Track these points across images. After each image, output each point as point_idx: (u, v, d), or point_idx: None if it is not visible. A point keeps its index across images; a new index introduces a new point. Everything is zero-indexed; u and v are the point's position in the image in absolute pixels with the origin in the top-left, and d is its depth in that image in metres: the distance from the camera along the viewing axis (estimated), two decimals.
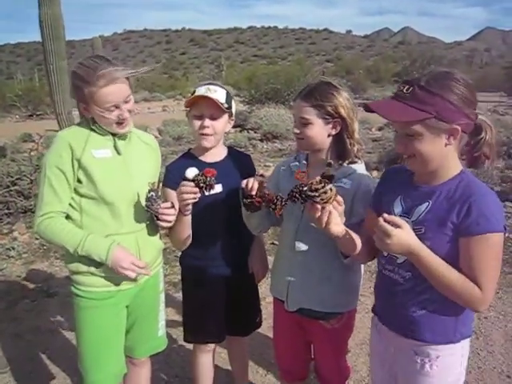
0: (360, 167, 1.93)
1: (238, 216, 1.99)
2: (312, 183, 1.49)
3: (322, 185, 1.47)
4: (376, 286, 1.82)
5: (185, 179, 1.81)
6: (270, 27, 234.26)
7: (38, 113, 24.41)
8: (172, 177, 2.14)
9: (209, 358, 2.45)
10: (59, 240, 1.84)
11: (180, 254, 2.40)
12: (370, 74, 51.92)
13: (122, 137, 1.95)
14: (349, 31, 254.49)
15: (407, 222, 1.49)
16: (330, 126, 1.88)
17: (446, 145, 1.45)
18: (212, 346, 2.42)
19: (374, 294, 1.87)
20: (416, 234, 1.46)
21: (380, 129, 15.74)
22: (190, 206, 1.91)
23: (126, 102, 1.85)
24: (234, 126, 2.30)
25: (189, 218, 1.99)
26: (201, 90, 2.08)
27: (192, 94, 2.13)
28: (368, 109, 1.53)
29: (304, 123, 1.88)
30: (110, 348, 2.01)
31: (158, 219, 1.90)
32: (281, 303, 2.07)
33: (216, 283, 2.23)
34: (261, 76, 20.45)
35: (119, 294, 1.96)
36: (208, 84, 2.12)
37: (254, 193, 1.73)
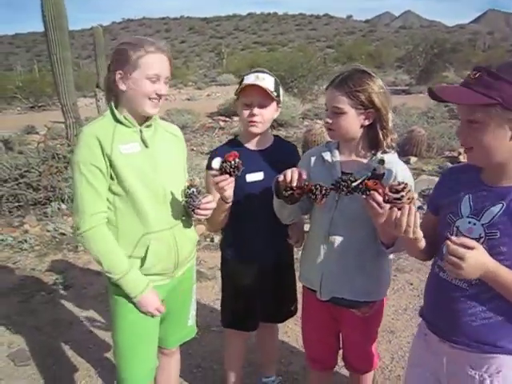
0: (393, 157, 1.88)
1: None
2: (392, 185, 1.45)
3: (403, 186, 1.43)
4: (429, 289, 1.70)
5: (211, 169, 1.86)
6: (269, 13, 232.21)
7: (40, 104, 24.27)
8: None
9: (242, 343, 2.50)
10: (101, 258, 1.82)
11: (220, 240, 2.43)
12: (373, 60, 51.40)
13: (149, 127, 1.90)
14: (349, 16, 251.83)
15: (476, 224, 1.44)
16: (363, 116, 1.83)
17: (510, 138, 1.34)
18: (246, 332, 2.45)
19: (423, 297, 1.76)
20: (489, 239, 1.39)
21: None
22: (231, 193, 1.93)
23: (165, 82, 1.84)
24: None
25: (229, 205, 2.04)
26: (250, 78, 2.08)
27: (240, 83, 2.12)
28: (432, 94, 1.46)
29: (337, 112, 1.83)
30: (147, 343, 2.00)
31: (196, 213, 1.88)
32: (311, 292, 2.07)
33: (256, 270, 2.24)
34: (263, 63, 20.32)
35: (156, 289, 1.95)
36: (256, 72, 2.12)
37: (294, 184, 1.70)
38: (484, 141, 1.36)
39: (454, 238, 1.33)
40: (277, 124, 12.97)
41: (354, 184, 1.54)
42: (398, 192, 1.43)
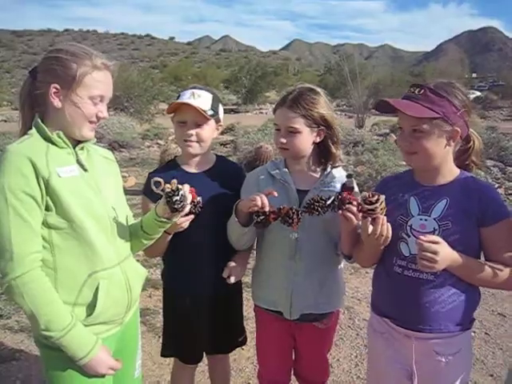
0: (343, 171, 1.99)
1: (221, 231, 1.92)
2: (368, 196, 1.53)
3: (377, 197, 1.52)
4: (386, 288, 1.77)
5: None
6: (89, 31, 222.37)
7: None
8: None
9: (189, 377, 2.30)
10: (37, 312, 1.42)
11: (162, 270, 2.23)
12: (198, 80, 53.03)
13: (82, 149, 1.61)
14: (172, 38, 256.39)
15: (427, 219, 1.61)
16: (316, 133, 1.87)
17: (445, 146, 1.58)
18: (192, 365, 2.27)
19: (379, 300, 1.84)
20: (443, 230, 1.57)
21: (223, 133, 16.31)
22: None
23: (107, 102, 1.60)
24: None
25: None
26: (185, 95, 1.94)
27: (177, 98, 1.98)
28: (381, 105, 1.65)
29: (292, 132, 1.84)
30: None
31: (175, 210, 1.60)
32: (269, 313, 2.02)
33: (198, 302, 2.08)
34: None
35: (104, 342, 1.60)
36: (193, 88, 1.99)
37: (267, 209, 1.67)
38: (427, 147, 1.57)
39: (422, 236, 1.47)
40: (118, 145, 12.49)
41: (329, 202, 1.60)
42: (372, 203, 1.54)
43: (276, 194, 1.72)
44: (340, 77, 27.54)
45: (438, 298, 1.62)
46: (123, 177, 9.19)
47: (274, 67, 41.36)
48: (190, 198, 1.61)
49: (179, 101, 1.92)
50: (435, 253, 1.46)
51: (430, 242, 1.47)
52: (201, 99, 1.92)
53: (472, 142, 1.70)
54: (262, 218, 1.68)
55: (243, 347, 3.02)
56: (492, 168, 9.45)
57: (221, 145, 13.38)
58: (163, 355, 2.26)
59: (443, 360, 1.65)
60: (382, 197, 1.53)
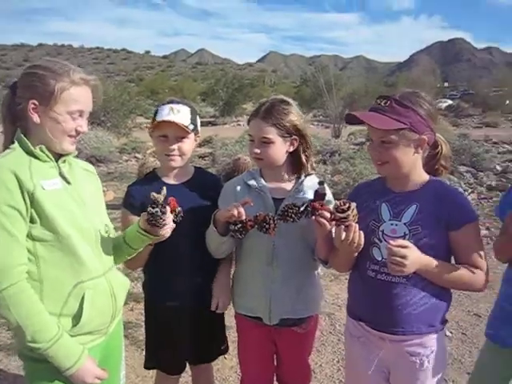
0: (316, 178, 2.03)
1: (201, 240, 1.95)
2: (339, 205, 1.57)
3: (348, 205, 1.57)
4: (360, 292, 1.82)
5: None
6: (63, 45, 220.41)
7: None
8: (134, 202, 1.98)
9: None
10: (24, 323, 1.43)
11: (143, 281, 2.23)
12: (175, 94, 52.96)
13: (64, 163, 1.63)
14: (147, 52, 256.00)
15: (398, 224, 1.67)
16: (289, 143, 1.93)
17: (414, 153, 1.64)
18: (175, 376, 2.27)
19: (354, 304, 1.88)
20: (413, 234, 1.63)
21: (200, 145, 16.32)
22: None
23: (86, 117, 1.62)
24: None
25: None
26: (164, 111, 1.96)
27: (154, 114, 2.00)
28: (350, 118, 1.71)
29: (266, 142, 1.89)
30: None
31: (158, 230, 1.65)
32: (249, 320, 2.05)
33: (180, 311, 2.08)
34: None
35: (90, 352, 1.61)
36: (171, 102, 2.01)
37: (243, 218, 1.72)
38: (396, 157, 1.63)
39: (391, 241, 1.54)
40: (95, 160, 12.38)
41: (302, 208, 1.66)
42: (344, 211, 1.59)
43: (252, 203, 1.77)
44: (316, 88, 27.90)
45: (409, 300, 1.67)
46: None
47: (250, 79, 41.72)
48: (169, 217, 1.64)
49: (161, 119, 1.95)
50: (404, 257, 1.52)
51: (399, 246, 1.53)
52: (180, 114, 1.96)
53: (440, 148, 1.77)
54: (239, 226, 1.73)
55: (226, 357, 3.06)
56: (465, 174, 9.73)
57: (199, 157, 13.40)
58: (146, 367, 2.28)
59: (418, 361, 1.71)
60: (353, 204, 1.58)
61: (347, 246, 1.62)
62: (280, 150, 1.92)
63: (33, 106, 1.50)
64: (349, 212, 1.56)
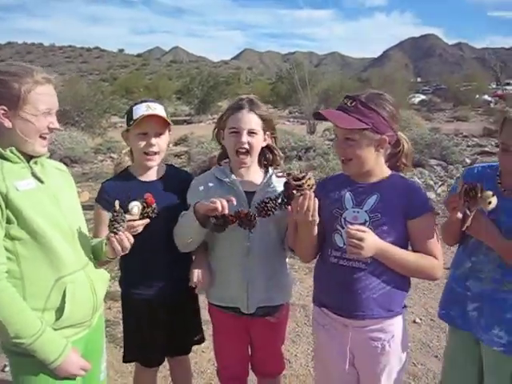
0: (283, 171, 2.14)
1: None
2: (294, 174, 1.68)
3: (304, 174, 1.67)
4: (324, 278, 1.93)
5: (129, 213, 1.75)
6: (34, 44, 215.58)
7: None
8: (108, 198, 2.02)
9: (152, 378, 2.37)
10: (7, 321, 1.48)
11: (120, 277, 2.29)
12: (150, 92, 52.33)
13: (36, 163, 1.67)
14: (121, 50, 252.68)
15: (360, 212, 1.79)
16: (265, 137, 2.05)
17: (375, 152, 1.77)
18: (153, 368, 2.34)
19: (318, 291, 1.98)
20: (373, 221, 1.75)
21: (176, 144, 16.29)
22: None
23: (55, 114, 1.67)
24: None
25: None
26: (141, 109, 2.03)
27: (129, 114, 2.07)
28: (318, 116, 1.83)
29: (253, 133, 1.98)
30: None
31: (117, 237, 1.71)
32: (225, 311, 2.13)
33: (156, 304, 2.16)
34: None
35: (74, 345, 1.68)
36: (145, 101, 2.09)
37: (226, 212, 1.80)
38: (359, 154, 1.75)
39: (350, 226, 1.68)
40: (70, 161, 12.25)
41: (279, 201, 1.75)
42: (299, 180, 1.66)
43: (235, 201, 1.85)
44: (291, 85, 28.09)
45: (368, 284, 1.79)
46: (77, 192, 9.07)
47: (225, 77, 41.64)
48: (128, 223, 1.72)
49: (143, 114, 2.01)
50: (361, 239, 1.64)
51: (357, 230, 1.65)
52: (157, 110, 2.05)
53: (401, 146, 1.89)
54: (220, 220, 1.82)
55: (204, 350, 3.14)
56: (435, 167, 9.98)
57: (175, 156, 13.37)
58: (125, 361, 2.35)
59: (379, 346, 1.83)
60: (310, 174, 1.70)
61: (303, 215, 1.70)
62: (260, 142, 2.03)
63: (2, 111, 1.54)
64: (303, 181, 1.66)
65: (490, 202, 1.70)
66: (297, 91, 22.58)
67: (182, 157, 13.22)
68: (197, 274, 2.06)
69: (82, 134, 15.11)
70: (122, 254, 1.76)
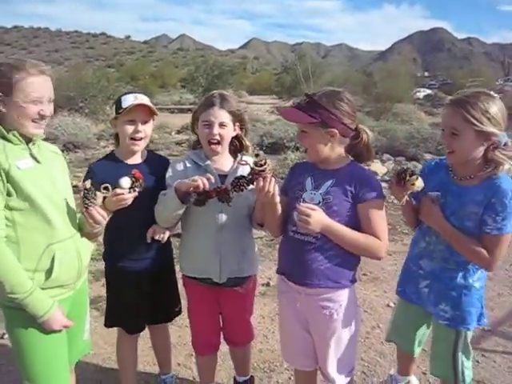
0: (250, 158, 2.37)
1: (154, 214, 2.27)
2: (257, 161, 1.93)
3: (264, 161, 1.92)
4: (284, 250, 2.20)
5: (120, 187, 1.99)
6: (40, 28, 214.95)
7: None
8: (95, 177, 2.19)
9: (132, 345, 2.61)
10: (3, 278, 1.74)
11: (103, 250, 2.52)
12: (155, 80, 52.29)
13: (34, 145, 1.92)
14: (128, 36, 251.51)
15: (316, 194, 2.03)
16: (235, 127, 2.32)
17: (327, 143, 1.99)
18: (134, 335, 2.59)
19: (280, 260, 2.23)
20: (326, 203, 1.99)
21: (179, 132, 16.49)
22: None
23: (49, 102, 1.89)
24: None
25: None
26: (129, 99, 2.26)
27: (117, 104, 2.30)
28: (280, 113, 2.12)
29: (223, 125, 2.25)
30: (61, 359, 1.99)
31: (89, 212, 1.94)
32: (197, 282, 2.35)
33: (138, 276, 2.40)
34: None
35: (60, 303, 1.93)
36: (132, 93, 2.35)
37: (207, 187, 2.05)
38: (312, 144, 2.02)
39: (301, 203, 1.95)
40: (73, 146, 12.49)
41: (250, 177, 1.97)
42: (261, 166, 1.91)
43: (213, 179, 2.13)
44: (296, 76, 28.13)
45: (317, 257, 2.02)
46: (78, 177, 9.28)
47: (230, 66, 41.62)
48: (100, 198, 1.97)
49: (132, 103, 2.25)
50: (308, 215, 1.88)
51: (305, 207, 1.89)
52: (144, 101, 2.30)
53: (361, 138, 2.08)
54: (202, 196, 2.06)
55: (187, 325, 3.36)
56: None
57: (176, 144, 13.58)
58: (106, 325, 2.59)
59: (328, 313, 2.06)
60: (268, 161, 1.94)
61: (264, 196, 1.96)
62: (230, 132, 2.31)
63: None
64: (265, 166, 1.91)
65: (413, 184, 1.94)
66: (300, 82, 22.66)
67: (183, 145, 13.42)
68: (152, 231, 2.31)
69: (86, 120, 15.30)
70: (98, 226, 2.01)
